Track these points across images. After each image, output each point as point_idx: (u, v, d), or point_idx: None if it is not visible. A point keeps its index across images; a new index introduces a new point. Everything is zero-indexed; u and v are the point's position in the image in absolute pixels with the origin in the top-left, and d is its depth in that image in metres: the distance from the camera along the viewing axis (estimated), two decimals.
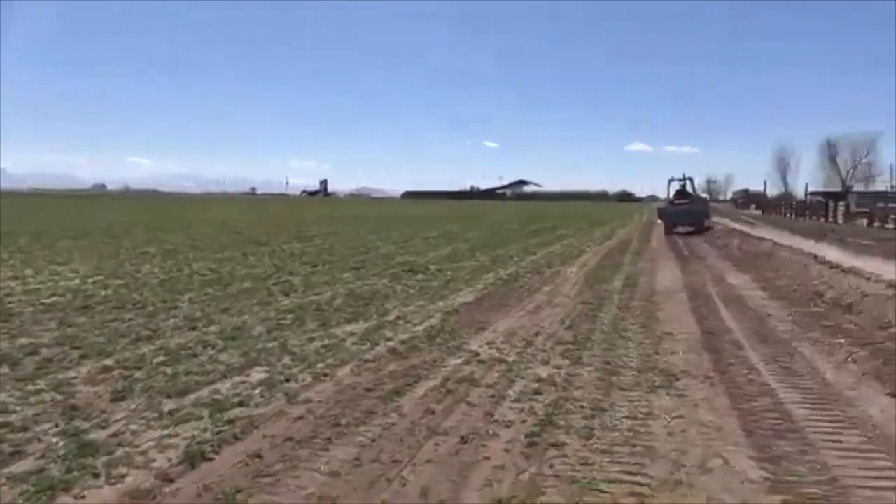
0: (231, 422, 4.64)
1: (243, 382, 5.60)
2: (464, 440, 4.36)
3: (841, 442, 4.37)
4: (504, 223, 37.11)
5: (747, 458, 4.08)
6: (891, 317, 8.20)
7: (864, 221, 37.71)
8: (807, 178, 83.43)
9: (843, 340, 7.53)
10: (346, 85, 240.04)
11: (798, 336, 7.84)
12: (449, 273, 13.33)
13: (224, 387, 5.47)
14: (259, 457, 4.05)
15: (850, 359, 6.74)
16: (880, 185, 67.09)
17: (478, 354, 6.67)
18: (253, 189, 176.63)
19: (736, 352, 7.03)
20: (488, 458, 4.08)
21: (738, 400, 5.28)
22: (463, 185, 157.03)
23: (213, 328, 7.70)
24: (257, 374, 5.85)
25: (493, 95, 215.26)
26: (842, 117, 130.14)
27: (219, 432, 4.43)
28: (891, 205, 37.24)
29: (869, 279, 11.24)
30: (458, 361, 6.41)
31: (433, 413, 4.90)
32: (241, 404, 5.03)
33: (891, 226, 32.72)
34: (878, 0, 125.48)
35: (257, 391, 5.36)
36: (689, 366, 6.34)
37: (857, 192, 59.61)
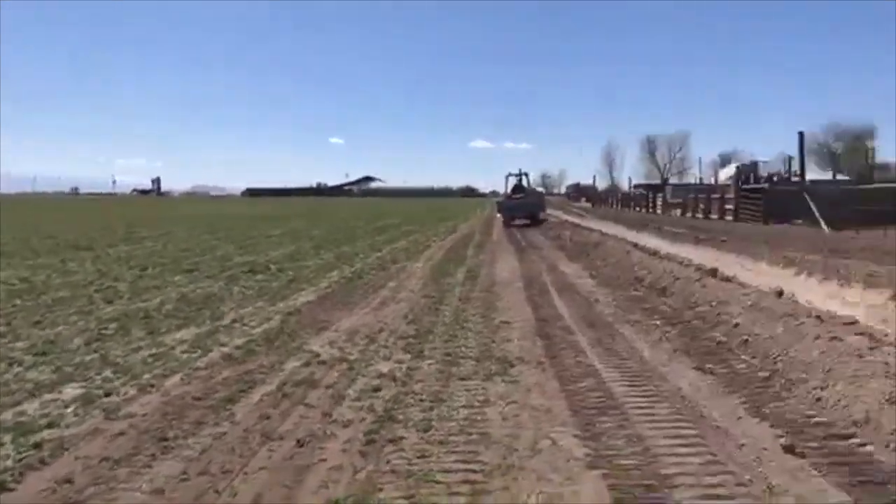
0: (38, 445, 4.19)
1: (55, 401, 5.09)
2: (300, 444, 4.25)
3: (654, 415, 4.76)
4: (350, 220, 36.85)
5: (573, 436, 4.33)
6: (697, 297, 9.08)
7: (679, 211, 41.65)
8: (631, 172, 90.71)
9: (658, 321, 8.24)
10: (177, 77, 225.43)
11: (620, 319, 8.46)
12: (291, 272, 12.99)
13: (31, 407, 4.94)
14: (69, 481, 3.69)
15: (663, 337, 7.38)
16: (691, 178, 74.32)
17: (318, 355, 6.54)
18: (75, 189, 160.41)
19: (566, 336, 7.45)
20: (325, 460, 4.00)
21: (567, 382, 5.60)
22: (309, 182, 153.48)
23: (20, 343, 6.93)
24: (72, 391, 5.33)
25: (338, 92, 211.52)
26: (661, 115, 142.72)
27: (22, 458, 3.99)
28: (700, 195, 41.29)
29: (681, 263, 12.39)
30: (298, 363, 6.24)
31: (269, 418, 4.73)
32: (50, 425, 4.56)
33: (700, 215, 36.37)
34: (698, 2, 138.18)
35: (70, 409, 4.89)
36: (524, 352, 6.63)
37: (673, 185, 65.66)
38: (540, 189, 74.26)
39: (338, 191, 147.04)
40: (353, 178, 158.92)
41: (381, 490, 3.60)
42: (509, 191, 33.61)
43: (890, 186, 33.76)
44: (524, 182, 34.25)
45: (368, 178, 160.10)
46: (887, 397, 4.46)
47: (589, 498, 3.48)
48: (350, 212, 50.66)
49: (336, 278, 12.33)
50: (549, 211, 37.91)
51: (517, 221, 30.12)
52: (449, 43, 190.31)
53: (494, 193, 67.81)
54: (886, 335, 5.99)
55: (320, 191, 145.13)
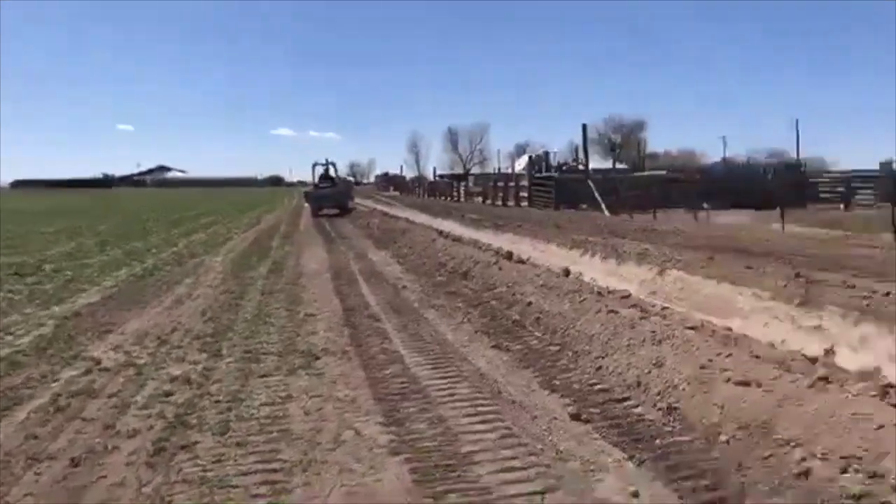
0: None
1: None
2: (75, 462, 3.81)
3: (455, 395, 4.91)
4: (143, 213, 34.07)
5: (376, 424, 4.33)
6: (496, 279, 9.56)
7: (480, 199, 43.73)
8: (436, 162, 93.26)
9: (461, 304, 8.55)
10: None
11: (426, 304, 8.66)
12: (70, 272, 11.66)
13: None
14: None
15: (465, 319, 7.67)
16: (491, 168, 78.16)
17: (100, 361, 5.92)
18: None
19: (373, 324, 7.47)
20: (105, 477, 3.62)
21: (372, 370, 5.60)
22: (94, 172, 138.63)
23: None
24: None
25: (126, 75, 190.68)
26: (463, 108, 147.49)
27: None
28: (499, 184, 43.64)
29: (481, 248, 12.98)
30: (75, 373, 5.60)
31: (36, 438, 4.18)
32: None
33: (499, 202, 38.47)
34: (493, 2, 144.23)
35: None
36: (330, 343, 6.53)
37: (474, 174, 68.82)
38: (349, 178, 73.93)
39: (128, 182, 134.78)
40: (145, 168, 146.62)
41: (170, 502, 3.33)
42: (316, 180, 33.07)
43: (657, 174, 38.14)
44: (331, 171, 33.88)
45: (163, 168, 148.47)
46: (654, 362, 4.99)
47: (391, 485, 3.50)
48: (143, 204, 46.87)
49: (124, 276, 11.30)
50: (358, 200, 37.92)
51: (325, 211, 29.77)
52: (248, 27, 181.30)
53: (302, 183, 66.44)
54: (654, 306, 6.73)
55: (108, 182, 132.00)
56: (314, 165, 33.52)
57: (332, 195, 31.18)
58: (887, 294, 5.09)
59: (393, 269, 12.18)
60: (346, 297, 9.27)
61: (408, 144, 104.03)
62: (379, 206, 36.39)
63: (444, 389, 5.04)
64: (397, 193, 66.78)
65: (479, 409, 4.60)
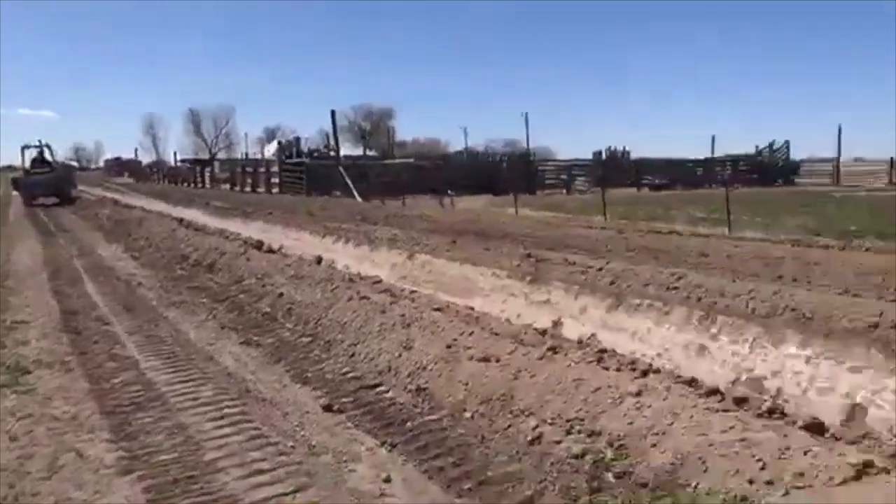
0: None
1: None
2: None
3: (197, 399, 4.54)
4: None
5: (103, 442, 3.83)
6: (244, 271, 9.10)
7: (228, 185, 41.63)
8: (177, 146, 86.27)
9: (205, 299, 7.99)
10: None
11: (165, 302, 7.95)
12: None
13: None
14: None
15: (210, 316, 7.18)
16: (239, 153, 74.65)
17: None
18: None
19: (100, 328, 6.66)
20: None
21: (99, 381, 4.96)
22: None
23: None
24: None
25: None
26: (204, 88, 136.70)
27: None
28: (248, 170, 41.91)
29: (228, 238, 12.35)
30: None
31: None
32: None
33: (248, 189, 37.00)
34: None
35: None
36: (44, 354, 5.66)
37: (221, 160, 65.11)
38: (71, 162, 65.63)
39: None
40: None
41: None
42: (28, 165, 28.79)
43: (406, 161, 39.58)
44: (47, 155, 29.69)
45: None
46: (404, 345, 5.10)
47: None
48: None
49: None
50: (84, 188, 33.80)
51: (42, 200, 26.04)
52: None
53: (12, 168, 57.47)
54: (403, 290, 6.91)
55: None
56: (24, 148, 29.19)
57: (48, 182, 27.35)
58: (600, 269, 5.76)
59: (126, 265, 11.01)
60: (68, 298, 8.16)
61: (143, 126, 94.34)
62: (110, 194, 32.75)
63: (185, 394, 4.64)
64: (132, 180, 60.72)
65: (226, 411, 4.30)
